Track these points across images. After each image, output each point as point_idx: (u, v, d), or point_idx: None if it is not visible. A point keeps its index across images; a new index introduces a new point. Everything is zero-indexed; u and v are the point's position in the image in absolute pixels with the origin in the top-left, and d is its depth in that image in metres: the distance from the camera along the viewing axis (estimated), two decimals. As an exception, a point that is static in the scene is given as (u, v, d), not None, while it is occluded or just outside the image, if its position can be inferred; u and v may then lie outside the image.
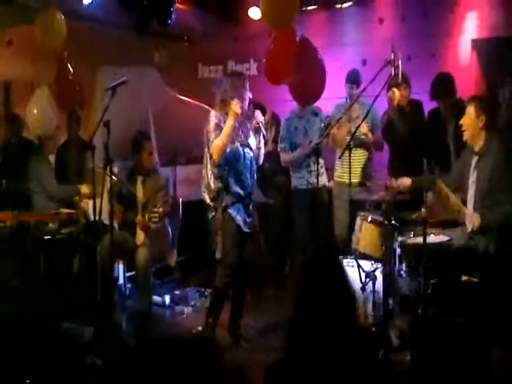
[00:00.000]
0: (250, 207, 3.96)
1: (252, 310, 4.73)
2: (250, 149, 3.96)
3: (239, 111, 3.74)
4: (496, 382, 2.80)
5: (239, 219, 3.86)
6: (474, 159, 3.73)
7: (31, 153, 5.06)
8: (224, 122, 3.78)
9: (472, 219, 3.60)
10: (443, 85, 4.61)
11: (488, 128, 3.66)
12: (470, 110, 3.71)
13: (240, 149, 3.88)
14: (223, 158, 3.79)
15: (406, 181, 3.97)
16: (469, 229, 3.65)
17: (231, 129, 3.75)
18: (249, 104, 3.90)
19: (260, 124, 3.87)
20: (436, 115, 4.72)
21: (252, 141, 3.96)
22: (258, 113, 3.91)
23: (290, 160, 5.05)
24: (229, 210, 3.84)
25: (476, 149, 3.73)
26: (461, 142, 3.93)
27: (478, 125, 3.67)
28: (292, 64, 4.79)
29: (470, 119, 3.70)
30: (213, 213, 3.91)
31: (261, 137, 3.97)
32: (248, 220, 3.93)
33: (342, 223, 4.89)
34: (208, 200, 3.93)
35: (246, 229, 3.90)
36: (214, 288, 4.04)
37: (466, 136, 3.76)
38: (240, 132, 3.88)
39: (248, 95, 3.87)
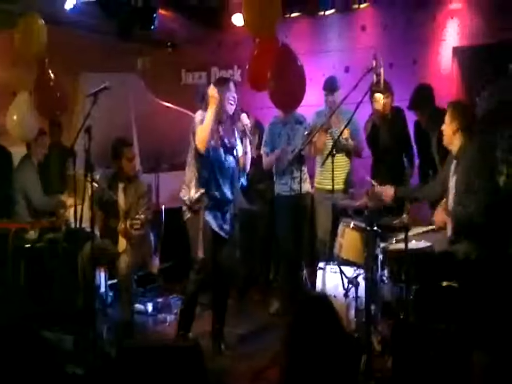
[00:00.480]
0: (228, 214, 3.92)
1: (237, 316, 4.74)
2: (234, 156, 3.93)
3: (216, 95, 3.73)
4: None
5: (214, 225, 3.84)
6: (453, 163, 3.77)
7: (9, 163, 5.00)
8: None
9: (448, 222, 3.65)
10: (420, 96, 4.67)
11: (463, 131, 3.71)
12: (446, 116, 3.78)
13: (223, 154, 3.86)
14: (205, 161, 3.76)
15: (389, 191, 4.00)
16: (448, 233, 3.67)
17: (213, 116, 3.73)
18: (236, 109, 3.88)
19: (246, 127, 3.85)
20: (420, 125, 4.77)
21: (238, 146, 3.94)
22: (244, 116, 3.90)
23: (270, 161, 5.04)
24: (205, 214, 3.81)
25: (453, 152, 3.78)
26: (445, 153, 3.97)
27: (453, 128, 3.72)
28: (271, 71, 4.80)
29: (446, 124, 3.76)
30: (188, 214, 3.89)
31: (247, 141, 3.94)
32: (224, 226, 3.90)
33: (325, 229, 4.90)
34: (186, 201, 3.90)
35: (222, 234, 3.87)
36: (185, 294, 3.99)
37: (444, 140, 3.82)
38: (224, 134, 3.86)
39: (234, 96, 3.84)
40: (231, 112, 3.86)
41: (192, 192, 3.85)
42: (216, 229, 3.85)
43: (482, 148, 3.76)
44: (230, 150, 3.90)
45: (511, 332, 3.18)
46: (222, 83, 3.87)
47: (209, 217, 3.82)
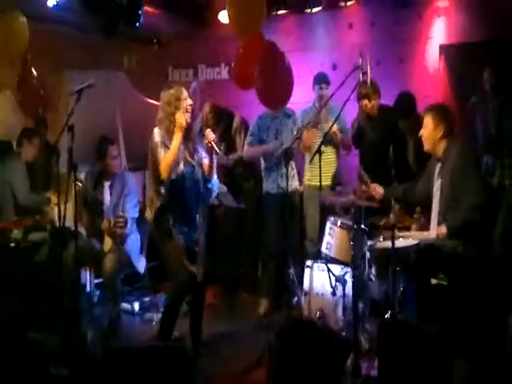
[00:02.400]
0: (196, 232, 3.77)
1: (224, 315, 4.72)
2: (198, 165, 3.79)
3: (184, 122, 3.61)
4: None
5: (181, 240, 3.70)
6: (438, 166, 3.78)
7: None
8: (168, 139, 3.62)
9: (438, 230, 3.64)
10: (402, 105, 4.71)
11: (447, 136, 3.72)
12: (428, 121, 3.75)
13: (183, 168, 3.71)
14: (168, 181, 3.65)
15: (379, 189, 4.00)
16: (433, 235, 3.68)
17: (179, 144, 3.60)
18: (193, 111, 3.73)
19: (212, 143, 3.69)
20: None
21: (202, 156, 3.81)
22: (209, 133, 3.71)
23: (253, 152, 4.99)
24: (172, 229, 3.68)
25: (438, 156, 3.78)
26: (422, 158, 3.97)
27: (437, 135, 3.72)
28: (257, 68, 4.78)
29: (429, 130, 3.75)
30: (154, 232, 3.79)
31: (213, 155, 3.77)
32: (194, 238, 3.75)
33: (313, 226, 4.90)
34: (149, 217, 3.78)
35: (192, 248, 3.74)
36: (165, 305, 3.93)
37: (426, 147, 3.81)
38: (184, 149, 3.71)
39: (190, 102, 3.69)
40: (189, 120, 3.70)
41: (153, 208, 3.73)
42: (187, 244, 3.72)
43: (466, 149, 3.77)
44: (191, 160, 3.76)
45: (494, 332, 3.19)
46: (178, 98, 3.65)
47: (176, 232, 3.69)
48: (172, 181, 3.66)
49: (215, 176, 3.88)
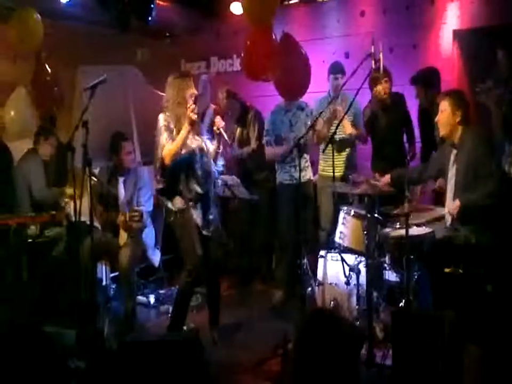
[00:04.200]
0: (211, 210, 3.85)
1: (239, 307, 4.74)
2: (202, 149, 3.82)
3: (195, 117, 3.64)
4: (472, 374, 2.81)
5: (198, 222, 3.78)
6: (453, 153, 3.73)
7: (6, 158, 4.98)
8: (173, 124, 3.67)
9: (452, 208, 3.61)
10: (428, 74, 4.66)
11: (464, 122, 3.68)
12: (445, 106, 3.70)
13: (197, 158, 3.77)
14: (174, 169, 3.70)
15: (385, 178, 3.98)
16: (448, 222, 3.64)
17: (186, 136, 3.64)
18: (196, 99, 3.72)
19: (221, 130, 3.75)
20: (425, 110, 4.72)
21: (209, 143, 3.86)
22: (219, 120, 3.77)
23: (275, 155, 5.01)
24: (186, 212, 3.75)
25: (454, 142, 3.73)
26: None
27: (455, 121, 3.68)
28: (272, 60, 4.76)
29: (446, 116, 3.70)
30: (171, 217, 3.85)
31: (221, 142, 3.84)
32: (208, 222, 3.82)
33: (328, 217, 4.89)
34: (167, 203, 3.84)
35: (206, 232, 3.82)
36: (178, 292, 3.96)
37: (443, 132, 3.77)
38: (191, 136, 3.75)
39: (195, 92, 3.73)
40: (197, 111, 3.71)
41: (177, 202, 3.79)
42: (200, 225, 3.78)
43: (481, 136, 3.72)
44: (198, 146, 3.80)
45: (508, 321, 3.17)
46: (187, 87, 3.70)
47: (193, 216, 3.77)
48: (178, 163, 3.69)
49: (217, 162, 3.96)
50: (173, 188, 3.79)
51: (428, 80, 4.64)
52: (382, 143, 4.83)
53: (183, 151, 3.71)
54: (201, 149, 3.81)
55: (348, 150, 5.00)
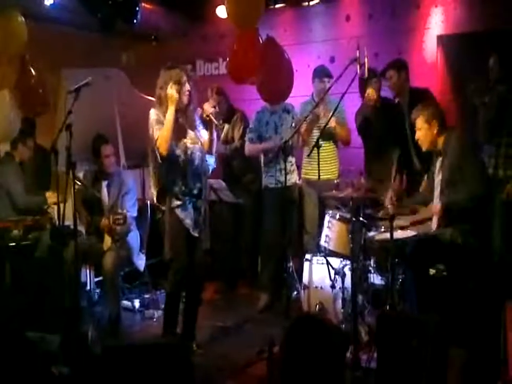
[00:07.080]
0: (202, 209, 3.83)
1: (224, 310, 4.73)
2: (200, 147, 3.81)
3: (176, 94, 3.61)
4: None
5: (188, 222, 3.75)
6: (438, 161, 3.78)
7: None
8: (163, 116, 3.65)
9: (434, 207, 3.65)
10: (399, 60, 4.86)
11: (442, 129, 3.72)
12: (420, 124, 3.75)
13: (183, 147, 3.75)
14: (166, 158, 3.68)
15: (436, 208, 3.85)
16: (434, 226, 3.67)
17: (173, 117, 3.62)
18: (190, 96, 3.73)
19: (211, 116, 3.75)
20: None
21: (202, 132, 3.84)
22: (207, 106, 3.79)
23: (257, 151, 4.99)
24: (176, 211, 3.74)
25: (439, 149, 3.77)
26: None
27: (433, 133, 3.73)
28: (257, 64, 4.77)
29: (424, 133, 3.76)
30: (160, 215, 3.85)
31: (213, 128, 3.83)
32: (198, 222, 3.80)
33: (313, 220, 4.89)
34: (155, 201, 3.84)
35: (195, 233, 3.79)
36: (166, 295, 3.94)
37: (425, 147, 3.81)
38: (187, 127, 3.76)
39: (188, 88, 3.72)
40: (187, 102, 3.73)
41: (169, 200, 3.77)
42: (190, 227, 3.76)
43: (463, 139, 3.76)
44: (190, 139, 3.78)
45: (490, 322, 3.19)
46: (177, 80, 3.68)
47: (181, 215, 3.74)
48: (170, 159, 3.67)
49: (213, 151, 3.92)
50: (166, 186, 3.77)
51: (397, 63, 4.74)
52: (375, 149, 4.80)
53: (178, 151, 3.69)
54: (195, 146, 3.77)
55: (332, 153, 5.00)
